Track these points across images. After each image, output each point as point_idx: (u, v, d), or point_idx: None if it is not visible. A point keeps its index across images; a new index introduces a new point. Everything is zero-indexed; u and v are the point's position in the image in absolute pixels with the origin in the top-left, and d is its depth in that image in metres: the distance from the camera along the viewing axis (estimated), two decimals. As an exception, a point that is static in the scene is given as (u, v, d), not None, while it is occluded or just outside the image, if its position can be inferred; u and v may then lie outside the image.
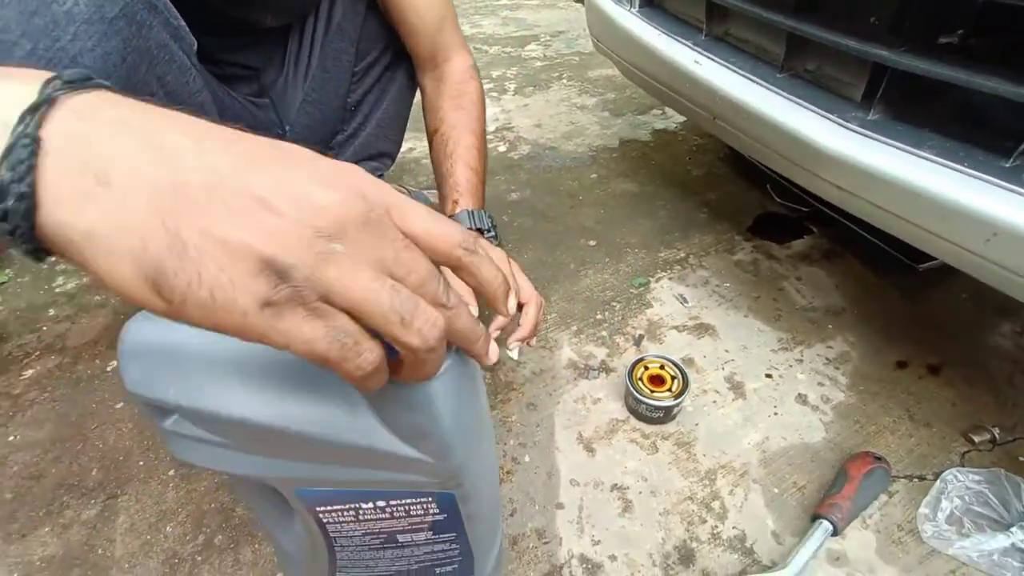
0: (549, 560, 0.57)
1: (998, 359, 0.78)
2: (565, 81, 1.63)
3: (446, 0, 0.75)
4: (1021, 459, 0.65)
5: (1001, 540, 0.54)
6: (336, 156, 0.89)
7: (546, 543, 0.58)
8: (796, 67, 0.65)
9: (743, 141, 0.73)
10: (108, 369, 0.79)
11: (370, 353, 0.21)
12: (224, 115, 0.60)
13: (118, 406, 0.74)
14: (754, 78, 0.66)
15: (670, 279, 0.92)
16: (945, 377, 0.76)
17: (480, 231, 0.72)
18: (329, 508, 0.36)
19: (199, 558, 0.58)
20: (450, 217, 0.70)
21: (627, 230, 1.03)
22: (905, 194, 0.51)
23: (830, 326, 0.83)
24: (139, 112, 0.20)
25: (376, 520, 0.37)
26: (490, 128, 1.39)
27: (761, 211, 1.08)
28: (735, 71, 0.69)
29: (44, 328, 0.86)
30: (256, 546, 0.59)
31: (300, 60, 0.74)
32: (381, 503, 0.36)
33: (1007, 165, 0.46)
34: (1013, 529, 0.54)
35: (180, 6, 0.53)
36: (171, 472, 0.66)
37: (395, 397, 0.29)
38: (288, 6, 0.66)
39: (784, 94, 0.63)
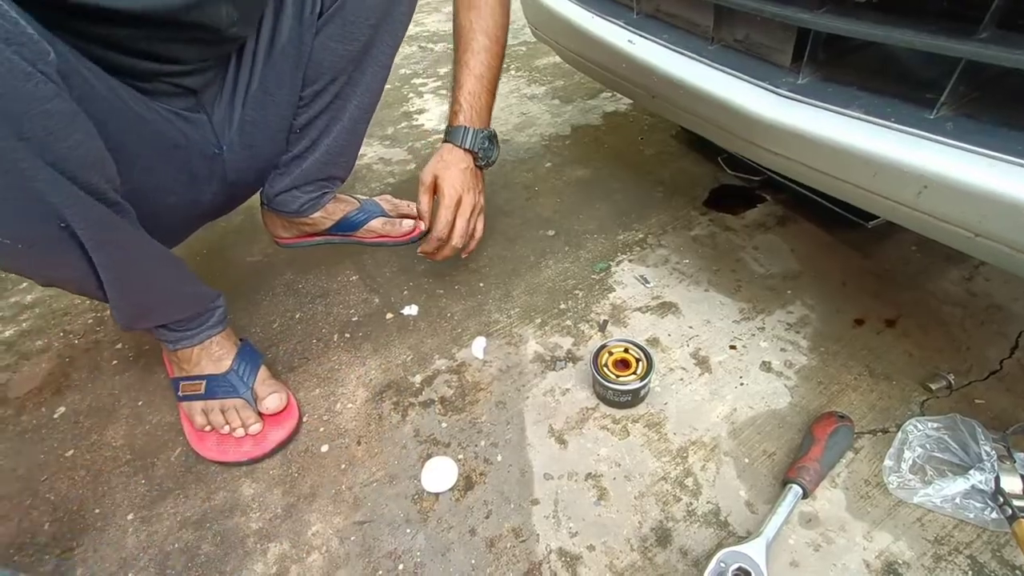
0: (527, 558, 0.56)
1: (949, 306, 0.80)
2: (513, 72, 1.61)
3: None
4: (977, 401, 0.67)
5: (961, 484, 0.56)
6: (282, 175, 0.86)
7: (523, 541, 0.58)
8: (726, 37, 0.65)
9: (683, 116, 0.73)
10: (55, 416, 0.75)
11: None
12: (140, 127, 0.56)
13: (69, 453, 0.70)
14: (686, 52, 0.66)
15: (630, 261, 0.92)
16: (901, 329, 0.77)
17: (472, 153, 0.78)
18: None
19: (165, 603, 0.55)
20: (445, 132, 0.79)
21: (585, 216, 1.03)
22: (838, 154, 0.51)
23: (789, 291, 0.85)
24: None
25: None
26: (441, 126, 1.34)
27: (715, 184, 1.09)
28: (668, 47, 0.68)
29: (-17, 380, 0.82)
30: (225, 582, 0.56)
31: (240, 80, 0.70)
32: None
33: (931, 117, 0.47)
34: (971, 472, 0.56)
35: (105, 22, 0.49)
36: (129, 516, 0.63)
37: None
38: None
39: (716, 65, 0.63)
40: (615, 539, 0.57)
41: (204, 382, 0.69)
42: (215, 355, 0.70)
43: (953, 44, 0.41)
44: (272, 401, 0.69)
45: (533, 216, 1.04)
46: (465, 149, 0.77)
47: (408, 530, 0.59)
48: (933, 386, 0.68)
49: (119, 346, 0.85)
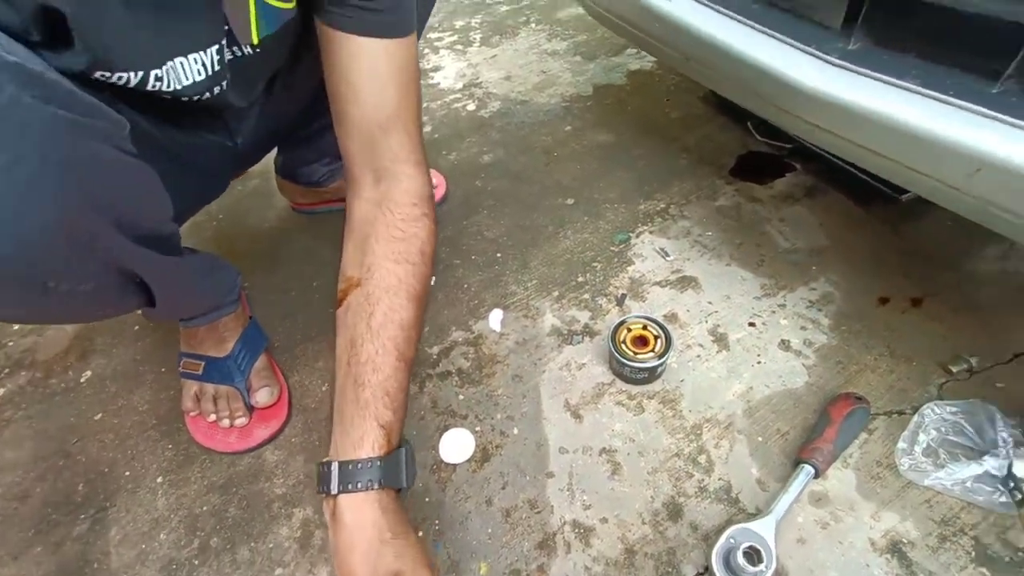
0: (542, 529, 0.58)
1: (981, 285, 0.77)
2: (533, 26, 1.53)
3: (403, 89, 0.52)
4: (998, 385, 0.66)
5: (974, 468, 0.56)
6: (301, 149, 0.84)
7: (538, 512, 0.60)
8: (770, -4, 0.60)
9: (719, 83, 0.69)
10: (82, 380, 0.77)
11: None
12: (160, 152, 0.53)
13: (97, 417, 0.72)
14: (727, 11, 0.61)
15: (651, 233, 0.90)
16: (927, 309, 0.76)
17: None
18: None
19: (196, 562, 0.58)
20: (358, 465, 0.44)
21: (605, 184, 1.00)
22: (888, 131, 0.48)
23: (813, 267, 0.82)
24: None
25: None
26: (457, 85, 1.31)
27: (743, 151, 1.04)
28: (708, 5, 0.63)
29: (11, 344, 0.83)
30: (253, 544, 0.59)
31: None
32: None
33: (994, 91, 0.43)
34: (985, 457, 0.56)
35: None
36: (159, 479, 0.65)
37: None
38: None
39: (759, 27, 0.58)
40: (627, 512, 0.59)
41: (203, 363, 0.68)
42: (220, 336, 0.69)
43: (1028, 15, 0.38)
44: (263, 395, 0.68)
45: (552, 183, 1.01)
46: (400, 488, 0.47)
47: (427, 499, 0.61)
48: (954, 368, 0.67)
49: (139, 313, 0.86)
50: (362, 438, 0.44)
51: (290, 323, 0.81)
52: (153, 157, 0.53)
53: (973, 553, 0.54)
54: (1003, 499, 0.55)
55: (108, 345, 0.81)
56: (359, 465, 0.44)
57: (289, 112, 0.73)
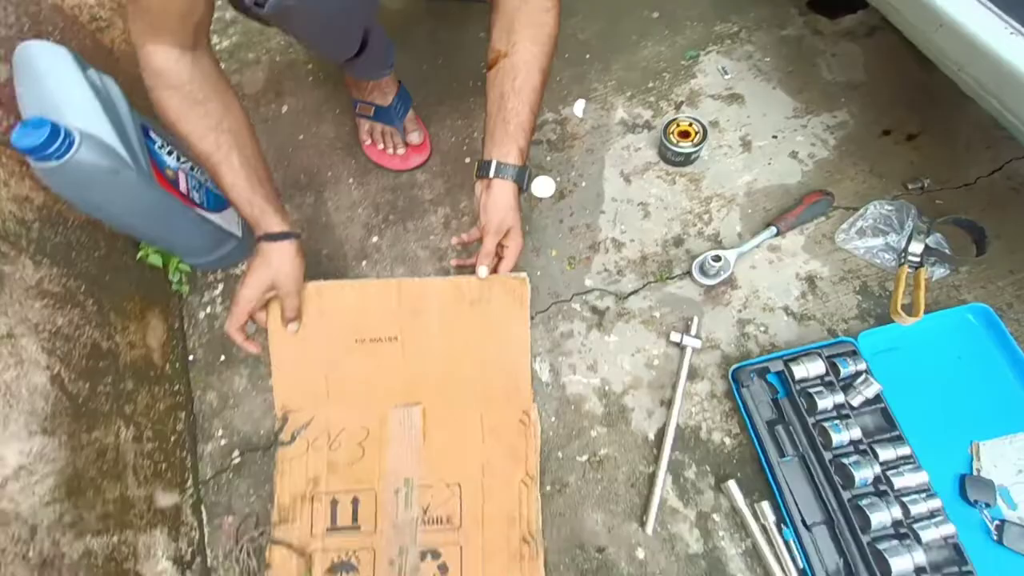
0: (592, 239, 0.93)
1: (970, 127, 0.96)
2: None
3: None
4: (937, 202, 0.91)
5: (879, 241, 0.85)
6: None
7: (591, 231, 0.94)
8: None
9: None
10: (282, 112, 1.10)
11: None
12: None
13: (300, 137, 1.07)
14: None
15: (718, 53, 1.07)
16: (917, 143, 0.96)
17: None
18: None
19: (383, 226, 0.97)
20: (505, 165, 0.71)
21: (689, 1, 1.13)
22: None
23: (843, 99, 1.01)
24: None
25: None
26: None
27: (826, -19, 1.12)
28: None
29: (223, 78, 1.14)
30: (414, 222, 0.97)
31: None
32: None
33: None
34: (890, 234, 0.85)
35: None
36: (350, 181, 1.02)
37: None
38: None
39: None
40: (648, 238, 0.93)
41: (373, 108, 0.97)
42: (383, 90, 0.96)
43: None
44: (415, 137, 0.99)
45: (642, -6, 1.14)
46: (522, 189, 0.74)
47: (524, 215, 0.96)
48: (910, 186, 0.92)
49: (309, 66, 1.15)
50: (508, 152, 0.71)
51: (425, 90, 1.08)
52: None
53: (857, 287, 0.86)
54: (892, 263, 0.86)
55: (293, 88, 1.12)
56: (506, 165, 0.71)
57: None
